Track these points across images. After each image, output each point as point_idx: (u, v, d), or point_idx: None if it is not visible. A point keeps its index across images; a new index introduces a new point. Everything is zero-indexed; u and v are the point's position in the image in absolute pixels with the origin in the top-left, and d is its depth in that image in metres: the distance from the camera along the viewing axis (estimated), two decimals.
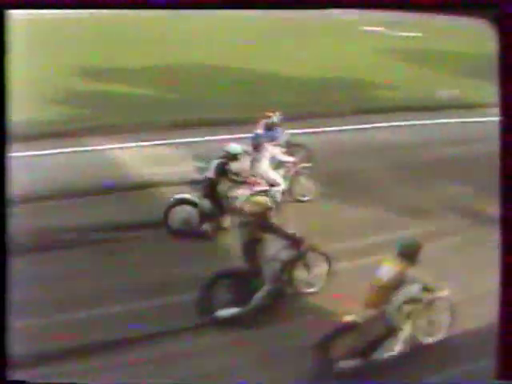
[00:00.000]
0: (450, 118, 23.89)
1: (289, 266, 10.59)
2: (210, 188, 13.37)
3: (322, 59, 34.03)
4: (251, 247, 10.19)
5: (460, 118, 23.94)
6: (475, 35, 58.52)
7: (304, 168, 15.17)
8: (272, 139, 15.07)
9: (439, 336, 9.77)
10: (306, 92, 26.00)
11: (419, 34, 50.38)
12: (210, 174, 13.45)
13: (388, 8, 9.16)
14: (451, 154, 19.26)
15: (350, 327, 8.98)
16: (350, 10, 65.52)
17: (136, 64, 28.54)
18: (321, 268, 11.05)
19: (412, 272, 9.00)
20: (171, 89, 25.59)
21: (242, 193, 13.49)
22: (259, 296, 10.15)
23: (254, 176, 14.16)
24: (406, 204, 15.48)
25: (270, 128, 15.65)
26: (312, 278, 11.03)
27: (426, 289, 9.31)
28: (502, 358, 7.71)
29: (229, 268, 10.25)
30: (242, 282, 10.10)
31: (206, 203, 13.23)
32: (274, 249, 10.39)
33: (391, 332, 9.10)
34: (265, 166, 14.58)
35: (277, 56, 34.17)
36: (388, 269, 9.04)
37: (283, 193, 14.50)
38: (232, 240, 12.30)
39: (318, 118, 21.34)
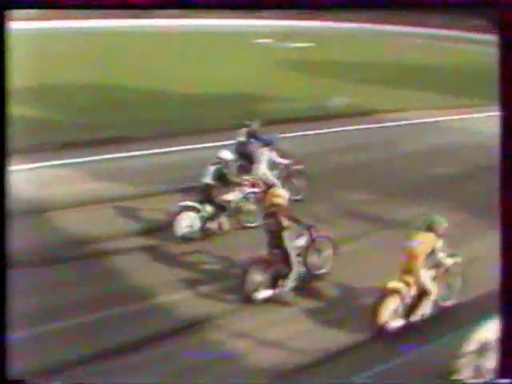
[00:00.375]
0: (344, 126, 23.67)
1: (304, 251, 11.90)
2: (209, 193, 14.03)
3: (213, 74, 33.67)
4: (278, 235, 11.32)
5: (355, 125, 23.81)
6: (367, 43, 59.93)
7: (296, 170, 16.06)
8: (268, 143, 15.93)
9: (454, 299, 11.12)
10: (196, 108, 25.59)
11: (311, 45, 50.96)
12: (208, 179, 14.05)
13: (390, 7, 9.26)
14: (347, 162, 19.13)
15: (393, 292, 10.37)
16: (239, 23, 65.32)
17: (22, 83, 27.46)
18: (327, 251, 12.26)
19: (439, 243, 10.58)
20: (61, 109, 24.86)
21: (234, 196, 14.26)
22: (290, 279, 11.38)
23: (253, 178, 15.07)
24: (305, 213, 15.34)
25: (252, 135, 16.63)
26: (321, 261, 12.23)
27: (448, 255, 10.87)
28: (503, 359, 8.07)
29: (261, 255, 11.39)
30: (272, 267, 11.34)
31: (207, 208, 13.89)
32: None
33: (424, 295, 10.54)
34: (264, 169, 15.68)
35: (166, 72, 33.45)
36: (420, 241, 10.47)
37: None
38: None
39: (209, 133, 20.96)
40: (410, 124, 25.26)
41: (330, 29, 64.89)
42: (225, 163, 14.18)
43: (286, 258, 11.32)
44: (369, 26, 68.14)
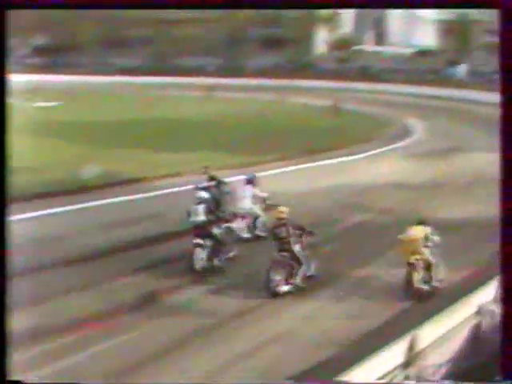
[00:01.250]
0: (108, 198, 20.62)
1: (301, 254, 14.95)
2: (207, 228, 15.73)
3: None
4: (287, 241, 14.61)
5: (121, 195, 20.92)
6: (130, 98, 55.11)
7: (270, 204, 17.73)
8: (251, 181, 18.30)
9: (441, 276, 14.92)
10: None
11: (58, 103, 46.08)
12: (202, 216, 15.84)
13: (394, 6, 11.10)
14: (114, 238, 17.09)
15: (412, 265, 14.57)
16: None
17: None
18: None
19: (428, 229, 14.91)
20: None
21: (216, 231, 15.86)
22: (301, 272, 14.65)
23: (240, 212, 17.74)
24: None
25: (213, 178, 18.65)
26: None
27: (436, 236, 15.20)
28: (505, 360, 8.99)
29: (278, 258, 14.46)
30: (286, 267, 14.54)
31: (207, 243, 15.68)
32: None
33: (429, 266, 14.78)
34: (249, 203, 18.05)
35: None
36: (415, 231, 14.84)
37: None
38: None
39: None
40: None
41: (84, 84, 60.48)
42: (205, 201, 16.04)
43: (295, 259, 14.62)
44: (131, 78, 64.07)
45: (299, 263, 14.67)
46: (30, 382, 9.14)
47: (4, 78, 8.53)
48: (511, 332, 9.10)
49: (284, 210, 15.09)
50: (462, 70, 70.92)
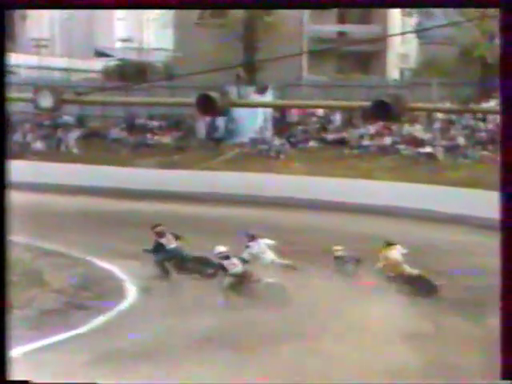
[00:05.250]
0: None
1: None
2: (248, 276, 17.59)
3: None
4: None
5: None
6: None
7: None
8: (253, 237, 19.31)
9: None
10: None
11: None
12: (240, 267, 17.76)
13: (396, 6, 10.10)
14: None
15: (408, 278, 17.81)
16: None
17: None
18: None
19: (398, 247, 18.17)
20: None
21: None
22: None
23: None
24: None
25: (177, 237, 19.54)
26: None
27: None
28: (505, 359, 8.98)
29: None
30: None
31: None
32: None
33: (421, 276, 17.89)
34: (272, 255, 19.20)
35: None
36: (393, 252, 17.85)
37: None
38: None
39: None
40: None
41: None
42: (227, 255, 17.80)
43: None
44: None
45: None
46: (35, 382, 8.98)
47: (3, 79, 8.50)
48: (511, 332, 9.12)
49: (339, 247, 18.67)
50: None
